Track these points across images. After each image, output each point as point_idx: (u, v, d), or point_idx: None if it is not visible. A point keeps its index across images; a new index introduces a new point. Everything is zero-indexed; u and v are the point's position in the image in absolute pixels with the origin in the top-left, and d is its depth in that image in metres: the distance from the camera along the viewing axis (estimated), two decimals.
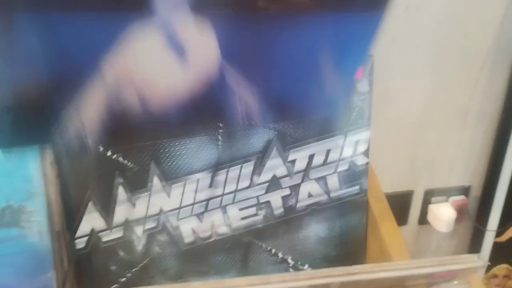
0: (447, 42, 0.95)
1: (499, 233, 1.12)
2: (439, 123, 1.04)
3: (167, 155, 0.56)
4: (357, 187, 0.60)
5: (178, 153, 0.56)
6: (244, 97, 0.58)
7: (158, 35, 0.53)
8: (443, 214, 1.08)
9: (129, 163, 0.56)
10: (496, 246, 1.14)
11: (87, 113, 0.54)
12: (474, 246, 1.15)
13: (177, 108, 0.55)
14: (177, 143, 0.56)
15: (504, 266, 1.19)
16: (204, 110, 0.58)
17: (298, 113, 0.60)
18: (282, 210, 0.60)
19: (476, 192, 1.12)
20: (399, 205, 1.11)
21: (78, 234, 0.56)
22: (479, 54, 0.98)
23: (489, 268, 1.17)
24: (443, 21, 0.92)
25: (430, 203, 1.12)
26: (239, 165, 0.58)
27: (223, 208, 0.59)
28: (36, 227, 0.54)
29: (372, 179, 0.63)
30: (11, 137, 0.53)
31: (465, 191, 1.12)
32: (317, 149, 0.59)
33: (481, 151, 1.07)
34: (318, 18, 0.57)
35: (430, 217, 1.12)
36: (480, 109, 1.03)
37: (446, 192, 1.12)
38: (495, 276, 1.20)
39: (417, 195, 1.12)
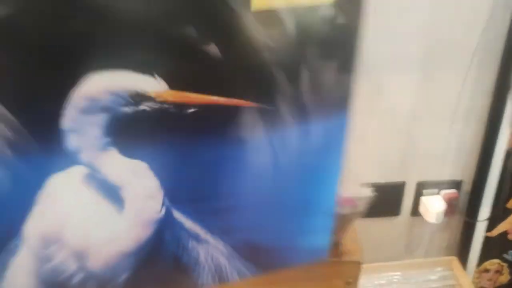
0: (436, 40, 0.98)
1: (490, 228, 1.14)
2: (430, 119, 1.05)
3: None
4: None
5: None
6: (210, 245, 0.53)
7: (85, 181, 0.47)
8: (433, 205, 1.10)
9: None
10: (488, 241, 1.15)
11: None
12: (465, 238, 1.17)
13: (122, 262, 0.50)
14: None
15: (496, 261, 1.19)
16: (156, 264, 0.51)
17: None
18: None
19: (467, 186, 1.15)
20: (392, 196, 1.14)
21: None
22: (467, 52, 1.00)
23: (480, 262, 1.19)
24: (433, 20, 0.96)
25: (422, 195, 1.15)
26: None
27: None
28: None
29: None
30: None
31: (457, 185, 1.14)
32: None
33: (472, 146, 1.09)
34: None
35: (421, 209, 1.15)
36: (469, 106, 1.05)
37: (438, 185, 1.13)
38: (487, 270, 1.20)
39: (409, 187, 1.14)
